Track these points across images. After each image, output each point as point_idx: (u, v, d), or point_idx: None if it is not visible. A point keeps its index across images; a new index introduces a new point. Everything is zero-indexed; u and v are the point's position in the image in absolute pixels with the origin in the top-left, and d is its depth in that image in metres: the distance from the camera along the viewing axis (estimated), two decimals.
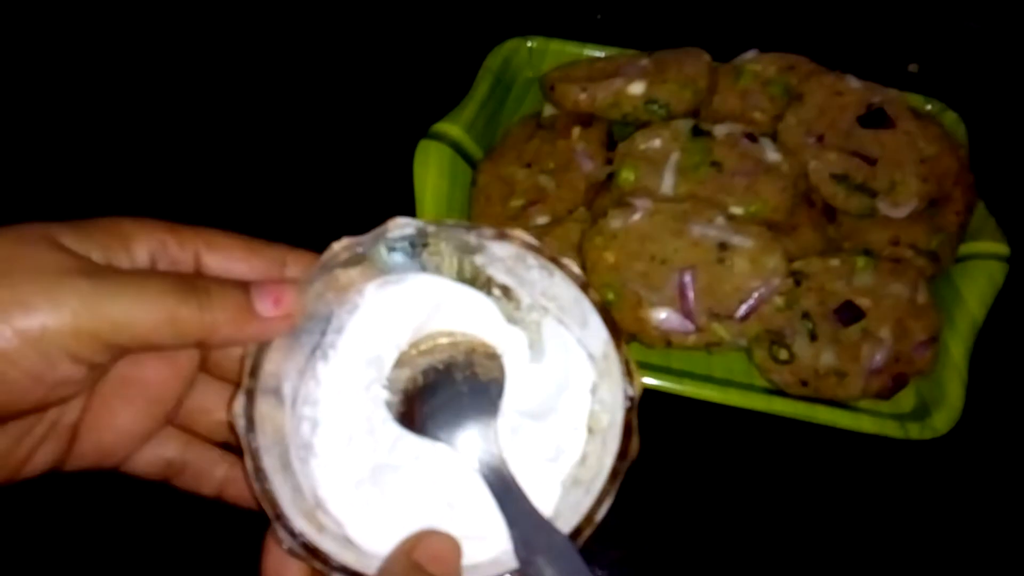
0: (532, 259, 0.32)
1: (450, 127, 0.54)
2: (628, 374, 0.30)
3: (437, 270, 0.33)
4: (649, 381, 0.49)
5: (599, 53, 0.60)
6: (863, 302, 0.49)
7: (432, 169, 0.53)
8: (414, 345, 0.34)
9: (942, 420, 0.47)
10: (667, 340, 0.48)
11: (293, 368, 0.31)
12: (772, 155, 0.51)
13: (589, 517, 0.29)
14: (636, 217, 0.49)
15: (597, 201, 0.53)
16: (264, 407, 0.29)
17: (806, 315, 0.48)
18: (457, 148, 0.54)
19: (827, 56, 0.56)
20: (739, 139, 0.51)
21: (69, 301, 0.25)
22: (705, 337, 0.48)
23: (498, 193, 0.55)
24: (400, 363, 0.33)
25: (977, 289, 0.50)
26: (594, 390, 0.32)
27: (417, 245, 0.32)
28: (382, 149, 0.61)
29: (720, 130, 0.52)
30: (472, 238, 0.32)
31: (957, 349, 0.49)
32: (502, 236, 0.31)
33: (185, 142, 0.61)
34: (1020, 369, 0.53)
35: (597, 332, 0.31)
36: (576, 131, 0.55)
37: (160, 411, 0.31)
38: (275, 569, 0.30)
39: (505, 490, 0.30)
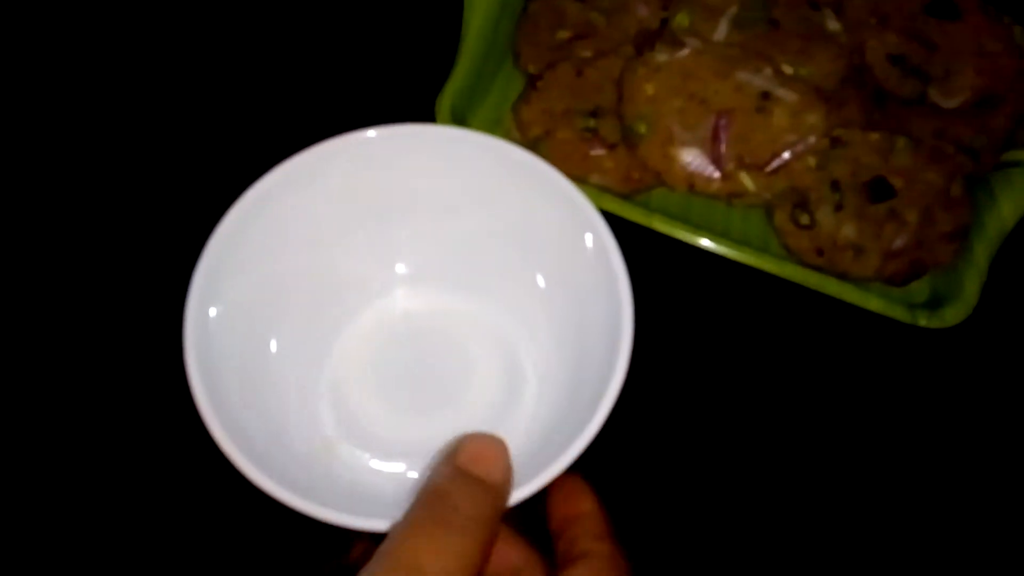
0: None
1: None
2: None
3: None
4: (665, 230, 0.48)
5: None
6: (896, 181, 0.47)
7: None
8: None
9: (953, 313, 0.46)
10: (691, 183, 0.47)
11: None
12: (832, 24, 0.49)
13: None
14: (683, 53, 0.47)
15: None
16: None
17: (835, 184, 0.47)
18: None
19: None
20: (801, 3, 0.50)
21: None
22: (729, 185, 0.47)
23: (547, 22, 0.53)
24: None
25: (1013, 196, 0.48)
26: None
27: None
28: None
29: None
30: None
31: (981, 250, 0.48)
32: None
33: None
34: None
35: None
36: None
37: None
38: None
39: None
